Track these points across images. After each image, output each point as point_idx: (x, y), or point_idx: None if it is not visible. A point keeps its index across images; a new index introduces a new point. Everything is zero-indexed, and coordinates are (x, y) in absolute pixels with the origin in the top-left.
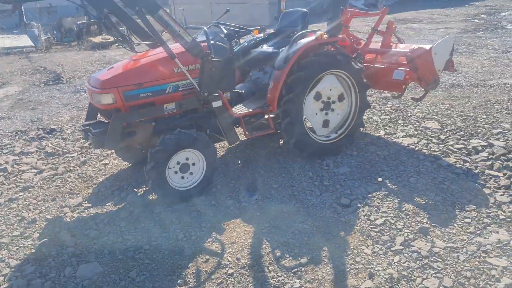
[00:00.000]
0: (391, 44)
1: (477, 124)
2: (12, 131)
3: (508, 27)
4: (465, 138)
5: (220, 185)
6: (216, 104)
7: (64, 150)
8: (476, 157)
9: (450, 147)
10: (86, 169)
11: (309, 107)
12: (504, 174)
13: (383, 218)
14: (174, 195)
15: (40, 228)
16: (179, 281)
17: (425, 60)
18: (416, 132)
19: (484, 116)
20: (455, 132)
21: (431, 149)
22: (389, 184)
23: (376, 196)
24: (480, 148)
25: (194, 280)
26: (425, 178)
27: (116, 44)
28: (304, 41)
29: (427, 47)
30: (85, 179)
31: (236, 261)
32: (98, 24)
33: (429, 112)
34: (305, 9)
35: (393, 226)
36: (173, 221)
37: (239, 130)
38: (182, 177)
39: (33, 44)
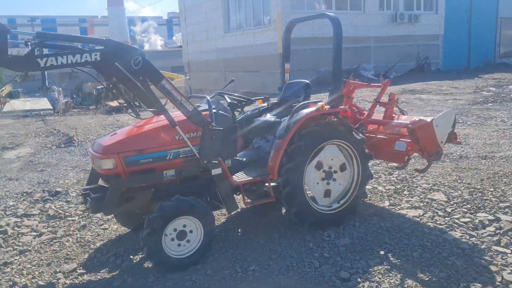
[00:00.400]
0: (394, 115)
1: (485, 197)
2: (18, 193)
3: None
4: (472, 211)
5: (218, 254)
6: (216, 171)
7: (66, 213)
8: (482, 231)
9: (456, 221)
10: (85, 234)
11: (310, 176)
12: None
13: None
14: (170, 263)
15: None
16: None
17: (426, 132)
18: (421, 204)
19: (492, 189)
20: (461, 205)
21: (437, 222)
22: (391, 258)
23: (378, 271)
24: (487, 222)
25: None
26: (429, 252)
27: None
28: (305, 111)
29: (428, 119)
30: (82, 244)
31: None
32: (118, 88)
33: (436, 184)
34: (307, 81)
35: None
36: None
37: (239, 197)
38: (179, 245)
39: (51, 107)
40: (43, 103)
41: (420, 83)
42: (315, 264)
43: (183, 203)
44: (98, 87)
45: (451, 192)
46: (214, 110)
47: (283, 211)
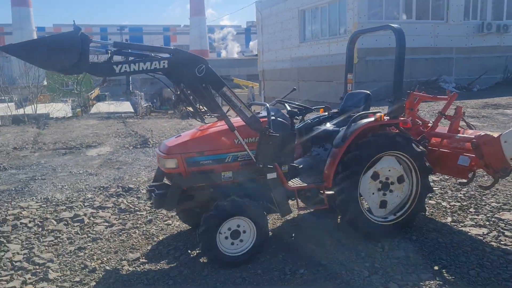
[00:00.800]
0: (459, 129)
1: None
2: (95, 187)
3: None
4: None
5: (269, 255)
6: (271, 176)
7: (136, 208)
8: None
9: None
10: (150, 227)
11: (366, 186)
12: None
13: None
14: (223, 260)
15: (98, 278)
16: None
17: (492, 148)
18: (487, 223)
19: None
20: None
21: (501, 242)
22: (445, 274)
23: (428, 285)
24: None
25: None
26: (487, 272)
27: (208, 114)
28: (363, 121)
29: (496, 134)
30: (147, 236)
31: None
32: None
33: (508, 203)
34: (368, 91)
35: None
36: (217, 286)
37: (293, 203)
38: (232, 243)
39: (133, 111)
40: (126, 106)
41: (506, 97)
42: (364, 273)
43: (238, 204)
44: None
45: None
46: (272, 117)
47: (339, 220)
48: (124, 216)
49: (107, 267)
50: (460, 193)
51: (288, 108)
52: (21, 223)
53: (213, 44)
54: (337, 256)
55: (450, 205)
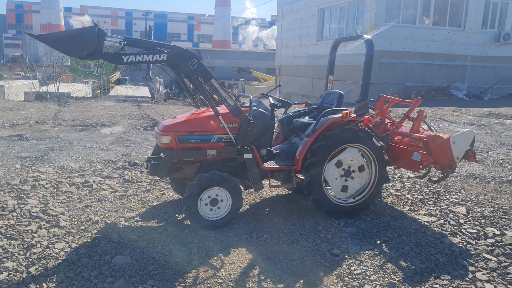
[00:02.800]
0: (421, 130)
1: (504, 216)
2: (105, 160)
3: None
4: (483, 225)
5: (242, 223)
6: (248, 156)
7: (138, 180)
8: (482, 241)
9: (463, 230)
10: (148, 195)
11: (330, 172)
12: (499, 260)
13: (362, 270)
14: (203, 223)
15: (99, 228)
16: (179, 279)
17: (441, 147)
18: (439, 213)
19: None
20: (477, 219)
21: (444, 228)
22: (384, 248)
23: (366, 254)
24: (491, 235)
25: (191, 281)
26: (420, 249)
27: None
28: (331, 116)
29: (444, 136)
30: (144, 202)
31: (228, 276)
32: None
33: (465, 200)
34: (341, 91)
35: (367, 277)
36: (194, 241)
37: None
38: (211, 209)
39: (150, 96)
40: (144, 91)
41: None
42: (316, 241)
43: (218, 176)
44: None
45: (474, 208)
46: (254, 108)
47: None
48: (127, 185)
49: (107, 221)
50: (427, 189)
51: (271, 101)
52: (39, 184)
53: (237, 36)
54: (298, 228)
55: (413, 197)
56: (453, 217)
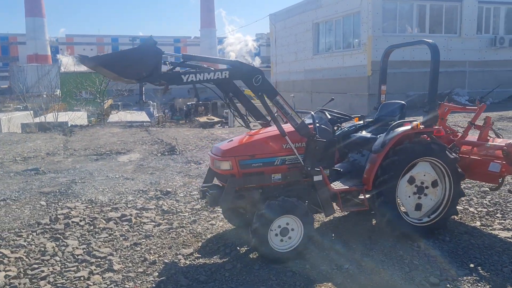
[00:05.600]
0: (488, 138)
1: None
2: (135, 190)
3: None
4: None
5: (314, 253)
6: (317, 178)
7: (178, 210)
8: None
9: None
10: (196, 227)
11: (403, 190)
12: None
13: None
14: (273, 255)
15: (159, 269)
16: None
17: None
18: None
19: None
20: None
21: None
22: (481, 271)
23: (467, 280)
24: None
25: None
26: None
27: (219, 124)
28: (400, 129)
29: None
30: (195, 234)
31: None
32: (206, 105)
33: None
34: (403, 102)
35: None
36: (271, 278)
37: (335, 205)
38: (281, 240)
39: (149, 120)
40: (143, 116)
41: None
42: (405, 268)
43: (288, 203)
44: (188, 103)
45: None
46: (317, 124)
47: (373, 222)
48: (168, 217)
49: (165, 260)
50: (485, 200)
51: (329, 116)
52: (72, 222)
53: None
54: (377, 254)
55: (477, 210)
56: None
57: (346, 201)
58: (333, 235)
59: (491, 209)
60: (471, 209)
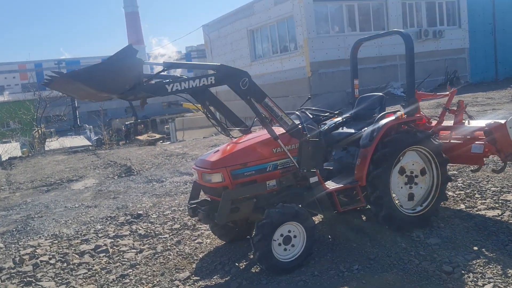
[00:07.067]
0: (463, 121)
1: None
2: (102, 218)
3: None
4: None
5: (317, 257)
6: (313, 179)
7: (156, 232)
8: None
9: None
10: (183, 248)
11: (394, 181)
12: None
13: (491, 284)
14: (278, 266)
15: None
16: None
17: (501, 133)
18: (497, 205)
19: None
20: None
21: None
22: (486, 252)
23: (477, 264)
24: None
25: None
26: None
27: (161, 141)
28: (386, 121)
29: (502, 121)
30: (185, 256)
31: None
32: (145, 123)
33: (504, 186)
34: (381, 93)
35: None
36: None
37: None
38: (285, 249)
39: (90, 143)
40: (81, 140)
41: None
42: (414, 261)
43: (289, 209)
44: (126, 123)
45: None
46: (305, 124)
47: (364, 218)
48: (148, 241)
49: None
50: (459, 183)
51: (311, 116)
52: (41, 261)
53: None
54: (381, 250)
55: (455, 194)
56: None
57: (343, 200)
58: (329, 236)
59: (468, 190)
60: (449, 193)
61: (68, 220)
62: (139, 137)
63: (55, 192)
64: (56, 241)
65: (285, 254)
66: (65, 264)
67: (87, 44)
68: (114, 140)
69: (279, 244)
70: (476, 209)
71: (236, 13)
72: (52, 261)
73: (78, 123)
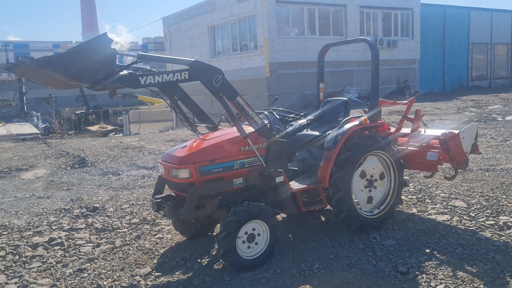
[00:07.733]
0: (419, 129)
1: (500, 203)
2: (55, 209)
3: (499, 119)
4: (494, 215)
5: (279, 256)
6: (279, 179)
7: (114, 226)
8: (509, 231)
9: (483, 223)
10: (143, 243)
11: (355, 184)
12: None
13: (443, 284)
14: (241, 263)
15: None
16: None
17: (455, 143)
18: (446, 210)
19: (505, 196)
20: (482, 210)
21: (466, 224)
22: (438, 255)
23: (430, 265)
24: (510, 224)
25: None
26: (469, 249)
27: (113, 133)
28: (350, 125)
29: (456, 131)
30: (145, 251)
31: None
32: (97, 113)
33: (452, 193)
34: (346, 98)
35: None
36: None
37: None
38: (249, 247)
39: (38, 131)
40: (28, 128)
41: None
42: (371, 261)
43: (254, 207)
44: (77, 112)
45: (469, 200)
46: (273, 124)
47: (323, 219)
48: (105, 235)
49: (123, 284)
50: (411, 188)
51: (278, 116)
52: None
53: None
54: (340, 250)
55: (408, 198)
56: (461, 212)
57: (305, 200)
58: (290, 236)
59: (419, 195)
60: (402, 197)
61: (19, 211)
62: (90, 128)
63: (3, 180)
64: (6, 232)
65: (248, 251)
66: (17, 257)
67: (37, 27)
68: (65, 130)
69: (243, 242)
70: (427, 213)
71: (198, 8)
72: (2, 253)
73: (25, 109)
